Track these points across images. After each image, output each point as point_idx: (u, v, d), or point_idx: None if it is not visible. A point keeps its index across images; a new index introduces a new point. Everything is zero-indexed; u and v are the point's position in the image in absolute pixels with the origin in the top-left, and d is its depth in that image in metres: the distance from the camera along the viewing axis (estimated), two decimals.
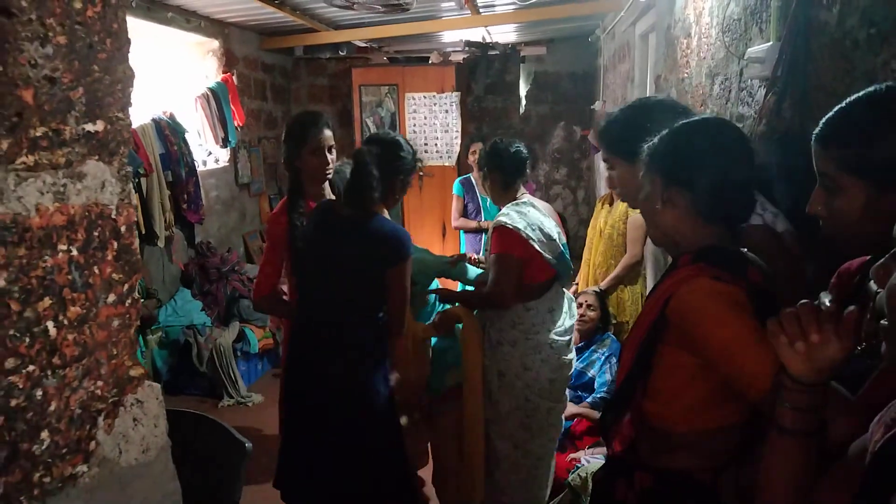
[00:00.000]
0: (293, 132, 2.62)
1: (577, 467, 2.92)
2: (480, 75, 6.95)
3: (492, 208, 4.83)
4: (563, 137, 8.45)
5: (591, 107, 7.40)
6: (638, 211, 3.66)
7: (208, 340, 4.39)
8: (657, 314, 1.34)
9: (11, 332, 0.66)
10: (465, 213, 4.86)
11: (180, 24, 4.81)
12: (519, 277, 2.51)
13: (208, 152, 5.43)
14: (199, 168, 4.98)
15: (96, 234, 0.80)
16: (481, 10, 5.61)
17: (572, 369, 2.78)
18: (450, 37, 6.96)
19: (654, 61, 4.33)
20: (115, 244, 0.83)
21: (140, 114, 4.34)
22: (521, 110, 7.99)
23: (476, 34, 6.80)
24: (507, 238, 2.51)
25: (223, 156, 5.62)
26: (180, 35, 4.94)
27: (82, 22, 0.79)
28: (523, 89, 8.04)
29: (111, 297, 0.83)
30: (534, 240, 2.51)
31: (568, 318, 2.74)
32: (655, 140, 1.43)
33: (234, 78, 5.53)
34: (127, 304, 0.85)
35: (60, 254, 0.73)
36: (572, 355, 2.76)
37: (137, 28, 4.36)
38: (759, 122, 2.15)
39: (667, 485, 1.39)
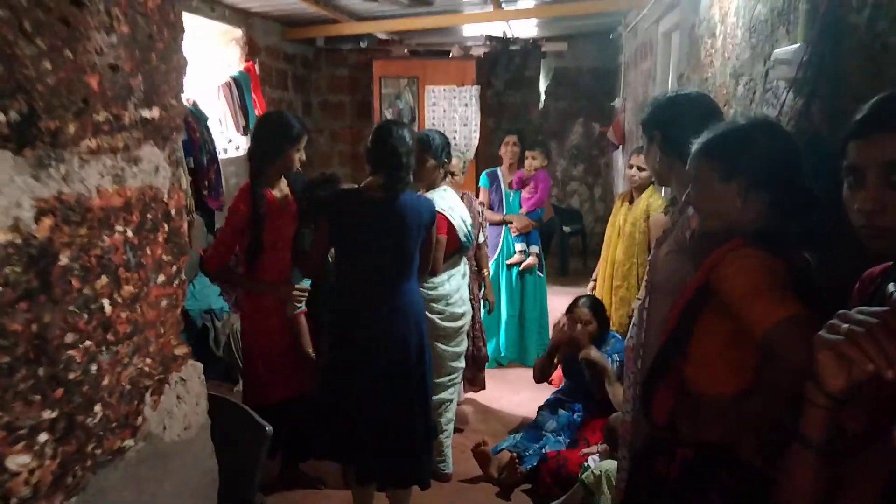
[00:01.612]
0: (288, 130, 2.91)
1: (588, 465, 2.94)
2: (501, 70, 6.95)
3: (514, 202, 4.83)
4: (582, 134, 8.43)
5: (612, 104, 7.37)
6: (660, 209, 3.68)
7: (225, 325, 4.44)
8: (703, 280, 1.45)
9: (71, 307, 0.68)
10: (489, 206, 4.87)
11: (204, 13, 4.85)
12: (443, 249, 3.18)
13: (229, 140, 5.47)
14: (220, 155, 5.02)
15: (149, 216, 0.82)
16: (503, 5, 5.60)
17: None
18: (471, 31, 6.95)
19: (676, 60, 4.31)
20: (166, 227, 0.86)
21: None
22: (541, 106, 7.98)
23: (497, 29, 6.80)
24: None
25: (243, 143, 5.66)
26: (204, 23, 4.97)
27: (144, 13, 0.81)
28: (543, 85, 8.03)
29: (161, 278, 0.85)
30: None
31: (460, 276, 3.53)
32: (720, 137, 1.55)
33: (257, 67, 5.57)
34: (175, 285, 0.88)
35: (117, 234, 0.75)
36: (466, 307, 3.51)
37: None
38: (785, 124, 2.15)
39: (706, 457, 1.48)
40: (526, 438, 3.56)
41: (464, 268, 3.58)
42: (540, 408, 3.76)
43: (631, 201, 3.87)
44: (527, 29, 7.15)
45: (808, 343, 0.95)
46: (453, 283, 3.41)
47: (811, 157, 1.74)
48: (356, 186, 2.86)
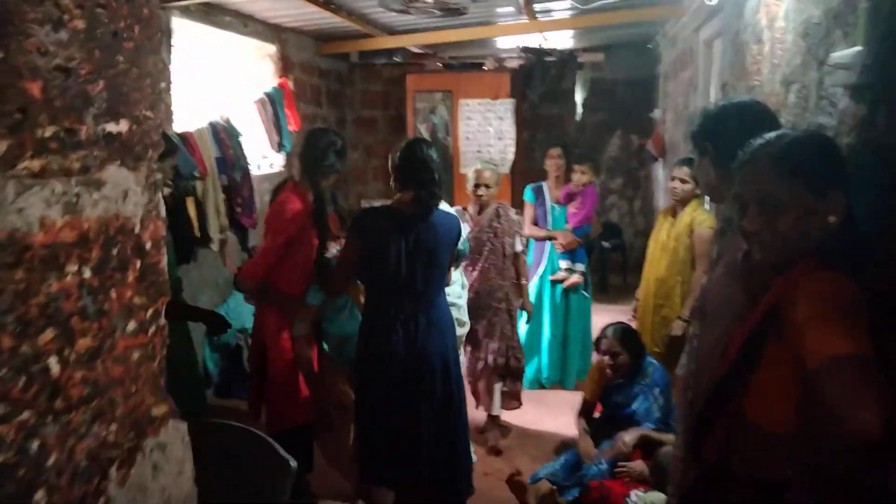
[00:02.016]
0: (342, 149, 3.08)
1: (633, 502, 2.77)
2: (536, 82, 6.82)
3: (560, 217, 4.69)
4: (620, 146, 8.28)
5: (650, 115, 7.21)
6: (705, 223, 3.51)
7: None
8: (773, 303, 1.32)
9: (2, 372, 0.56)
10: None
11: (237, 29, 4.83)
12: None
13: (263, 156, 5.44)
14: (254, 172, 4.98)
15: (115, 251, 0.70)
16: (538, 16, 5.48)
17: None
18: (505, 43, 6.85)
19: (719, 68, 4.15)
20: (139, 263, 0.73)
21: (198, 117, 4.35)
22: (577, 118, 7.83)
23: (533, 40, 6.68)
24: None
25: (278, 160, 5.62)
26: (237, 39, 4.95)
27: (105, 5, 0.69)
28: (579, 97, 7.88)
29: (131, 326, 0.73)
30: None
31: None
32: (797, 148, 1.40)
33: (290, 83, 5.53)
34: (150, 333, 0.75)
35: (69, 276, 0.63)
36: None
37: (195, 32, 4.38)
38: (848, 133, 1.97)
39: (765, 497, 1.36)
40: (565, 467, 3.37)
41: (462, 278, 3.78)
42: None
43: (675, 215, 3.70)
44: (563, 40, 7.02)
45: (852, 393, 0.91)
46: (456, 289, 3.51)
47: (878, 168, 1.59)
48: (386, 203, 2.83)
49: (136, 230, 0.74)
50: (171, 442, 0.79)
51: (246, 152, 4.67)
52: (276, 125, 5.26)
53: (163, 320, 0.76)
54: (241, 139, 4.59)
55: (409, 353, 2.66)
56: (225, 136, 4.40)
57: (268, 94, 5.19)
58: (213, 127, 4.31)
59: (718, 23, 4.03)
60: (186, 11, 4.07)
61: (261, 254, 2.97)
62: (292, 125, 5.48)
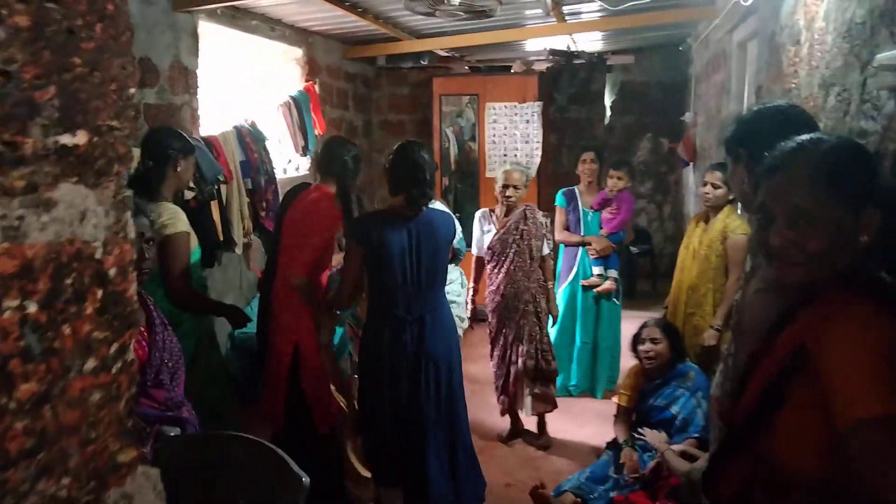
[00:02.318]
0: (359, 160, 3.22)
1: None
2: (564, 85, 6.72)
3: (593, 222, 4.59)
4: (650, 150, 8.15)
5: (681, 118, 7.06)
6: (739, 230, 3.39)
7: None
8: (797, 343, 1.17)
9: None
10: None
11: (264, 33, 4.81)
12: None
13: (288, 160, 5.41)
14: (279, 176, 4.95)
15: (69, 281, 0.62)
16: (567, 18, 5.39)
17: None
18: (533, 45, 6.76)
19: (754, 71, 4.03)
20: (100, 293, 0.65)
21: (223, 121, 4.34)
22: (606, 121, 7.70)
23: (561, 42, 6.58)
24: None
25: (304, 164, 5.59)
26: (264, 43, 4.93)
27: None
28: (608, 99, 7.75)
29: (90, 364, 0.65)
30: None
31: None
32: (833, 154, 1.23)
33: (317, 86, 5.50)
34: (114, 371, 0.67)
35: (7, 312, 0.55)
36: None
37: (222, 35, 4.36)
38: (893, 138, 1.86)
39: None
40: (591, 479, 3.27)
41: (461, 277, 4.00)
42: (608, 444, 3.47)
43: (707, 221, 3.58)
44: (591, 42, 6.91)
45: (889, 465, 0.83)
46: (455, 287, 3.69)
47: None
48: (380, 209, 3.00)
49: (97, 255, 0.66)
50: (140, 492, 0.70)
51: (271, 156, 4.64)
52: (302, 129, 5.23)
53: (131, 355, 0.68)
54: (266, 143, 4.56)
55: (418, 352, 2.73)
56: (250, 139, 4.37)
57: (293, 98, 5.16)
58: (238, 131, 4.29)
59: (753, 24, 3.91)
60: (213, 15, 4.06)
61: (308, 250, 2.91)
62: (318, 129, 5.45)
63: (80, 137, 0.63)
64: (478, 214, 4.14)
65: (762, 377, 1.24)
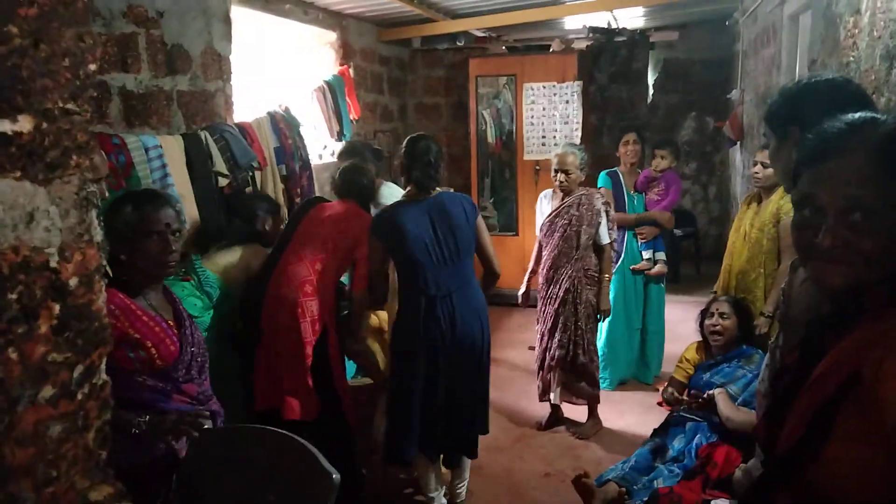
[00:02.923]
0: None
1: None
2: (605, 63, 6.53)
3: (638, 205, 4.48)
4: (695, 129, 7.93)
5: (728, 96, 6.83)
6: (792, 212, 3.22)
7: None
8: (850, 370, 1.00)
9: None
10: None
11: (298, 17, 4.77)
12: None
13: (324, 146, 5.38)
14: (314, 161, 4.92)
15: (13, 296, 0.53)
16: None
17: None
18: (572, 23, 6.59)
19: (807, 44, 3.83)
20: (57, 308, 0.56)
21: (257, 107, 4.32)
22: (649, 100, 7.49)
23: (601, 19, 6.39)
24: None
25: (339, 149, 5.55)
26: (298, 27, 4.89)
27: None
28: (651, 78, 7.53)
29: (45, 392, 0.55)
30: None
31: None
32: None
33: (351, 70, 5.45)
34: (80, 398, 0.58)
35: None
36: None
37: (255, 20, 4.33)
38: None
39: None
40: (635, 469, 3.17)
41: None
42: (655, 431, 3.35)
43: (759, 203, 3.42)
44: (633, 19, 6.70)
45: None
46: None
47: None
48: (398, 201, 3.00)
49: (52, 264, 0.56)
50: None
51: (306, 142, 4.61)
52: (337, 114, 5.19)
53: (103, 377, 0.60)
54: (300, 129, 4.53)
55: (452, 328, 2.84)
56: (284, 125, 4.34)
57: (327, 83, 5.12)
58: (272, 117, 4.26)
59: None
60: (246, 0, 4.02)
61: (361, 263, 3.02)
62: (353, 113, 5.40)
63: (23, 123, 0.54)
64: (541, 195, 4.04)
65: (807, 405, 1.08)
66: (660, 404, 4.13)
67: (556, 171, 3.74)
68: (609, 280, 3.88)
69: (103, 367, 0.59)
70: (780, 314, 1.68)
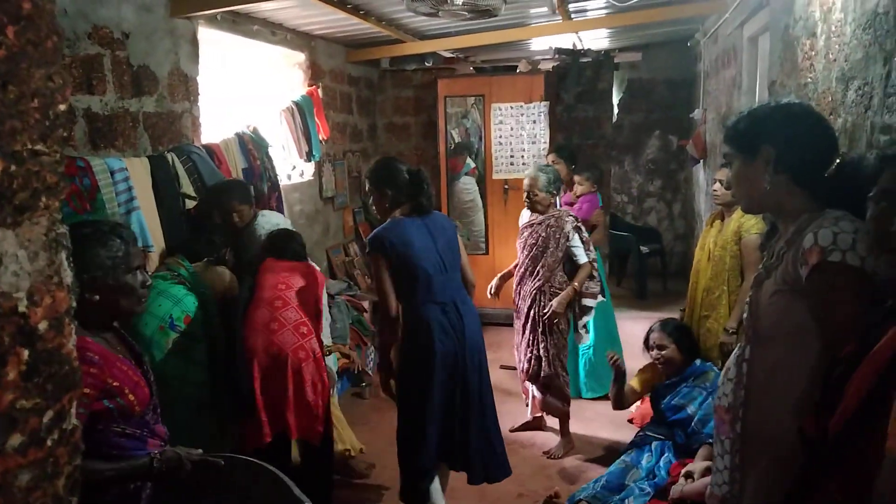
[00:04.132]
0: None
1: None
2: (571, 83, 6.63)
3: None
4: (659, 147, 8.07)
5: (690, 115, 6.97)
6: (753, 229, 3.30)
7: None
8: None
9: None
10: None
11: (266, 38, 4.75)
12: None
13: (293, 166, 5.35)
14: (283, 182, 4.90)
15: None
16: (573, 16, 5.31)
17: None
18: (539, 44, 6.68)
19: (766, 66, 3.94)
20: (26, 353, 0.54)
21: (225, 128, 4.29)
22: (614, 119, 7.62)
23: (567, 41, 6.49)
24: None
25: (308, 169, 5.54)
26: (266, 48, 4.88)
27: None
28: (616, 97, 7.66)
29: (14, 441, 0.53)
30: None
31: None
32: None
33: (320, 91, 5.44)
34: (49, 444, 0.55)
35: None
36: None
37: (223, 42, 4.31)
38: None
39: None
40: (606, 488, 3.18)
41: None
42: (624, 449, 3.39)
43: (722, 220, 3.49)
44: (598, 40, 6.82)
45: None
46: None
47: None
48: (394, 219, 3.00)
49: (21, 309, 0.54)
50: None
51: (274, 163, 4.59)
52: (306, 134, 5.17)
53: (73, 422, 0.58)
54: (269, 150, 4.51)
55: (463, 336, 2.93)
56: (252, 146, 4.32)
57: (296, 103, 5.11)
58: (240, 138, 4.24)
59: (765, 17, 3.83)
60: (213, 21, 4.00)
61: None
62: (322, 134, 5.39)
63: None
64: (522, 212, 4.14)
65: (860, 382, 1.13)
66: (631, 421, 4.18)
67: (525, 193, 3.87)
68: (574, 289, 3.82)
69: (73, 411, 0.57)
70: (747, 328, 1.69)
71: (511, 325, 4.24)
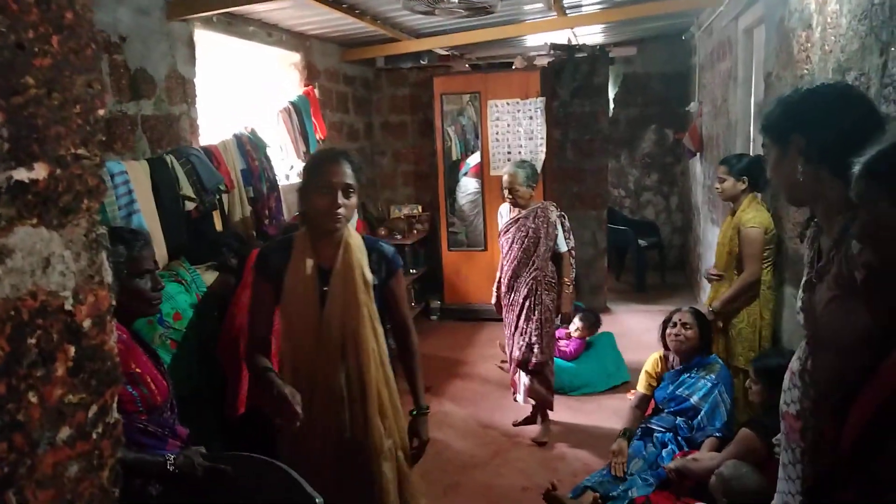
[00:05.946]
0: None
1: None
2: (567, 79, 6.64)
3: None
4: (655, 141, 8.08)
5: (686, 108, 6.98)
6: (750, 222, 3.35)
7: None
8: None
9: None
10: None
11: (262, 38, 4.76)
12: None
13: (291, 166, 5.36)
14: (281, 182, 4.90)
15: (33, 341, 0.53)
16: (568, 12, 5.32)
17: None
18: (534, 40, 6.69)
19: (762, 58, 3.95)
20: (73, 350, 0.57)
21: (223, 130, 4.29)
22: (610, 114, 7.64)
23: (562, 36, 6.50)
24: None
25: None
26: (262, 49, 4.88)
27: (3, 6, 0.52)
28: (612, 92, 7.68)
29: (64, 433, 0.56)
30: None
31: None
32: None
33: (316, 91, 5.45)
34: (94, 437, 0.58)
35: None
36: None
37: (219, 43, 4.31)
38: None
39: None
40: (609, 476, 3.20)
41: None
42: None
43: (733, 214, 3.57)
44: (593, 35, 6.83)
45: None
46: None
47: None
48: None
49: (67, 307, 0.57)
50: None
51: (272, 163, 4.59)
52: (303, 134, 5.18)
53: (115, 416, 0.61)
54: (267, 150, 4.51)
55: None
56: (250, 147, 4.32)
57: (293, 103, 5.11)
58: (238, 139, 4.24)
59: (760, 10, 3.84)
60: (209, 23, 4.01)
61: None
62: (319, 133, 5.39)
63: (39, 171, 0.55)
64: (500, 208, 4.22)
65: (872, 396, 1.10)
66: None
67: (506, 189, 3.91)
68: (569, 285, 4.01)
69: (115, 405, 0.60)
70: (807, 336, 1.61)
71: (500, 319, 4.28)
